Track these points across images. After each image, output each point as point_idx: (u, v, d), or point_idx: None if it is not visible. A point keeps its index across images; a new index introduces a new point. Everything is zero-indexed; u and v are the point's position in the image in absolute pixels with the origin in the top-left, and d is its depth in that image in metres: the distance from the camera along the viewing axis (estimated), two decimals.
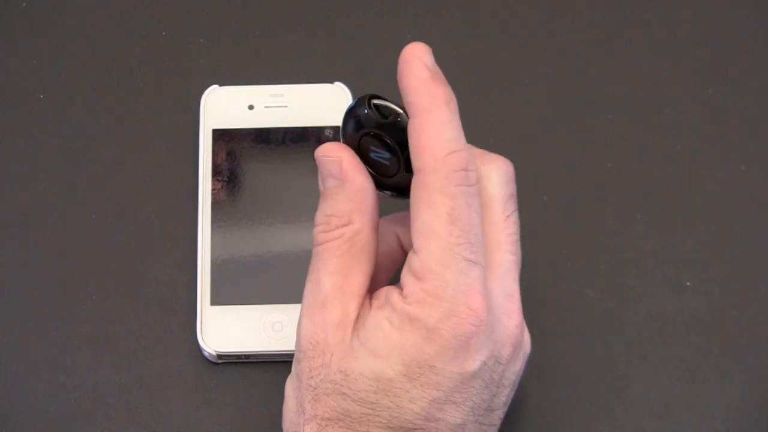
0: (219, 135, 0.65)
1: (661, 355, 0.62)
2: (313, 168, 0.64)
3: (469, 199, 0.50)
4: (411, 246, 0.54)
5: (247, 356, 0.61)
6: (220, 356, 0.61)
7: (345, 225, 0.53)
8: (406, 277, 0.51)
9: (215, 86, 0.66)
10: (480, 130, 0.67)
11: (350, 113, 0.53)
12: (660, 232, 0.64)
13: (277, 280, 0.62)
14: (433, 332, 0.50)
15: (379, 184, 0.54)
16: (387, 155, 0.53)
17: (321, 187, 0.54)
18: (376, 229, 0.53)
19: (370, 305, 0.52)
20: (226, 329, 0.61)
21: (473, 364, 0.51)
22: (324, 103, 0.65)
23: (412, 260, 0.51)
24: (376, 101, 0.53)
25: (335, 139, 0.64)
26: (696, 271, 0.63)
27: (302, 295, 0.53)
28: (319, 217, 0.53)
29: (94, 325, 0.62)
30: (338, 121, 0.65)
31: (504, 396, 0.53)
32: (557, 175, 0.65)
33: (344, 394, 0.51)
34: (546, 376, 0.60)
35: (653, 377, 0.61)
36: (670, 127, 0.67)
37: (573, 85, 0.67)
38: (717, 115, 0.67)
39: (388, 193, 0.54)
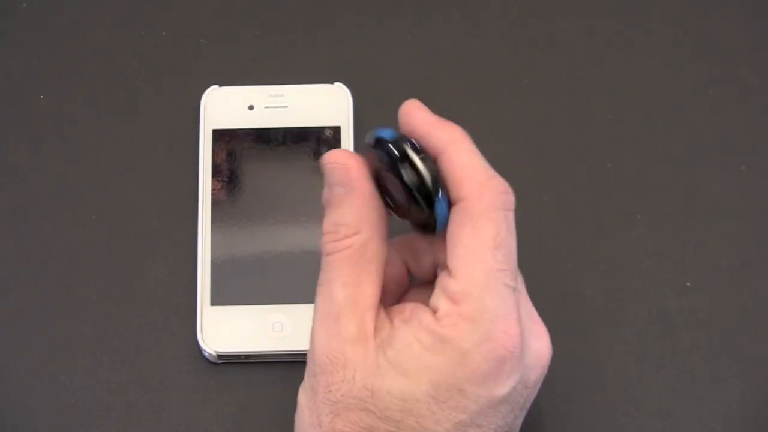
0: (219, 135, 0.65)
1: (661, 355, 0.62)
2: (313, 168, 0.64)
3: (510, 225, 0.51)
4: (419, 270, 0.55)
5: (247, 356, 0.61)
6: (220, 356, 0.61)
7: (354, 234, 0.51)
8: (439, 299, 0.51)
9: (215, 86, 0.66)
10: (480, 131, 0.67)
11: (388, 140, 0.52)
12: (660, 232, 0.64)
13: (277, 280, 0.62)
14: (467, 356, 0.50)
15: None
16: (400, 196, 0.52)
17: (327, 194, 0.53)
18: (385, 239, 0.53)
19: (389, 318, 0.52)
20: (226, 329, 0.61)
21: (503, 389, 0.51)
22: (324, 103, 0.65)
23: (449, 284, 0.50)
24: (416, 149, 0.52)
25: (334, 139, 0.64)
26: (696, 271, 0.63)
27: (314, 304, 0.52)
28: (327, 225, 0.52)
29: (94, 325, 0.62)
30: (338, 121, 0.65)
31: (522, 418, 0.53)
32: (557, 175, 0.65)
33: (368, 410, 0.50)
34: (546, 376, 0.60)
35: (653, 377, 0.61)
36: (670, 127, 0.67)
37: (573, 85, 0.67)
38: (717, 115, 0.67)
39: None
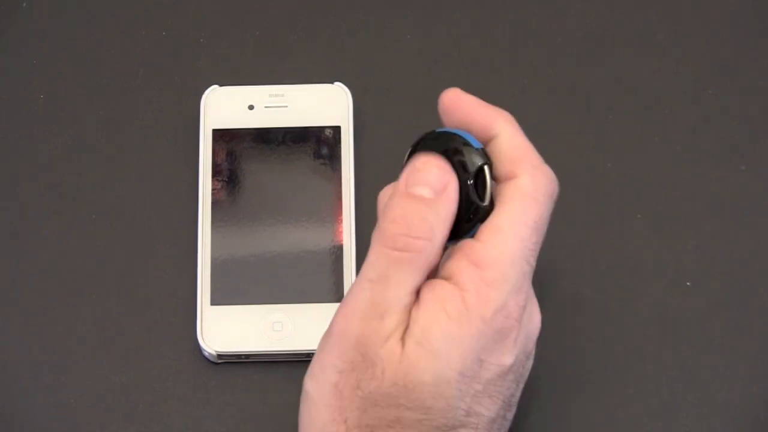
0: (219, 135, 0.65)
1: (661, 355, 0.62)
2: (313, 168, 0.64)
3: (549, 212, 0.53)
4: None
5: (247, 356, 0.61)
6: (220, 356, 0.61)
7: (427, 240, 0.51)
8: (460, 263, 0.51)
9: (215, 86, 0.66)
10: None
11: (475, 148, 0.52)
12: (660, 232, 0.64)
13: (277, 280, 0.62)
14: (487, 324, 0.50)
15: None
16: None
17: (405, 186, 0.51)
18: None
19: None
20: (226, 329, 0.61)
21: (510, 358, 0.52)
22: (324, 103, 0.65)
23: (475, 248, 0.51)
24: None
25: (334, 138, 0.64)
26: (696, 271, 0.63)
27: (354, 293, 0.51)
28: (400, 219, 0.51)
29: (94, 325, 0.62)
30: (338, 121, 0.65)
31: (520, 392, 0.54)
32: (557, 175, 0.65)
33: (399, 404, 0.50)
34: (546, 376, 0.60)
35: (653, 377, 0.61)
36: (670, 127, 0.67)
37: (573, 85, 0.67)
38: (717, 115, 0.67)
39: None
